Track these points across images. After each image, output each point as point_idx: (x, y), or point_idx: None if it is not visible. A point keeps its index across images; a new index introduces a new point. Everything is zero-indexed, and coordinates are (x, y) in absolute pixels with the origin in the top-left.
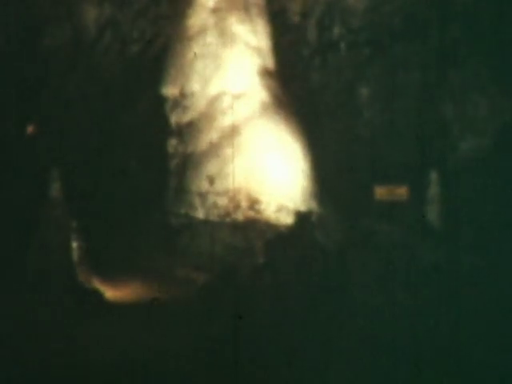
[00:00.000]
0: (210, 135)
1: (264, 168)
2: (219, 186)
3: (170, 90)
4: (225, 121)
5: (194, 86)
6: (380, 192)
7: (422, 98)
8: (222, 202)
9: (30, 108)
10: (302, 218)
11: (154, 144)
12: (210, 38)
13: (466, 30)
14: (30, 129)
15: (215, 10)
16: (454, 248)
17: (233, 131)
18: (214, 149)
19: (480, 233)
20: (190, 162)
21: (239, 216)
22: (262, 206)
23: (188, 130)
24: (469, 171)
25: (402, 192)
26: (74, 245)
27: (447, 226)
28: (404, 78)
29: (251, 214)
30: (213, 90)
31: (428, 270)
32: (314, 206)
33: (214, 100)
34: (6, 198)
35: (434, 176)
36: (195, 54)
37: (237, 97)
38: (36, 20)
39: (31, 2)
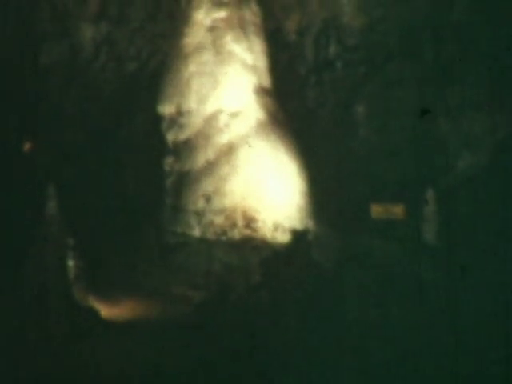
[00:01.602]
0: (207, 153)
1: (260, 186)
2: (216, 204)
3: (166, 108)
4: (221, 139)
5: (191, 104)
6: (376, 210)
7: (418, 116)
8: (219, 220)
9: (27, 125)
10: (298, 236)
11: (150, 162)
12: (207, 57)
13: (462, 47)
14: (26, 146)
15: (212, 29)
16: (450, 266)
17: (229, 149)
18: (211, 167)
19: (477, 250)
20: (186, 180)
21: (235, 234)
22: (259, 225)
23: (184, 148)
24: (466, 189)
25: (398, 210)
26: (71, 263)
27: (444, 243)
28: (400, 96)
29: (247, 232)
30: (209, 108)
31: (425, 288)
32: (310, 224)
33: (211, 118)
34: (2, 214)
35: (430, 194)
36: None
37: (233, 115)
38: (33, 37)
39: (29, 19)
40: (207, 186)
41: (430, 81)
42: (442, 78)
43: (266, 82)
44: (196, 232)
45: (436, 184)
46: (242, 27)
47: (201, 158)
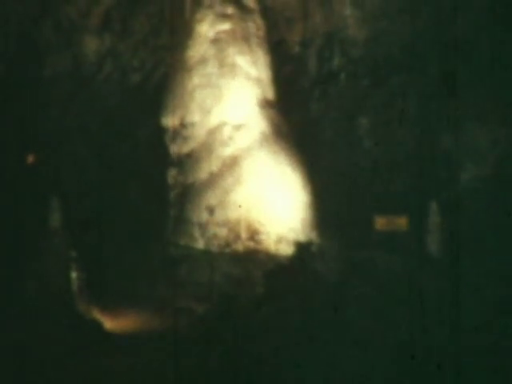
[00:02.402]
0: (210, 166)
1: (264, 198)
2: (219, 216)
3: (170, 121)
4: (225, 151)
5: (195, 116)
6: (380, 222)
7: (421, 128)
8: (222, 232)
9: (30, 137)
10: (301, 248)
11: (153, 174)
12: (211, 69)
13: (466, 60)
14: (29, 158)
15: (215, 41)
16: (454, 277)
17: (233, 162)
18: (214, 179)
19: (481, 263)
20: (189, 193)
21: (239, 247)
22: (262, 237)
23: (188, 161)
24: (469, 201)
25: (402, 222)
26: (74, 275)
27: (448, 255)
28: (404, 108)
29: (251, 244)
30: (213, 120)
31: (428, 300)
32: (313, 236)
33: (214, 130)
34: (5, 227)
35: (434, 206)
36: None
37: (237, 127)
38: (37, 50)
39: (32, 31)
40: (211, 198)
41: (434, 93)
42: (446, 90)
43: (270, 94)
44: (199, 244)
45: (439, 196)
46: (245, 40)
47: (204, 171)
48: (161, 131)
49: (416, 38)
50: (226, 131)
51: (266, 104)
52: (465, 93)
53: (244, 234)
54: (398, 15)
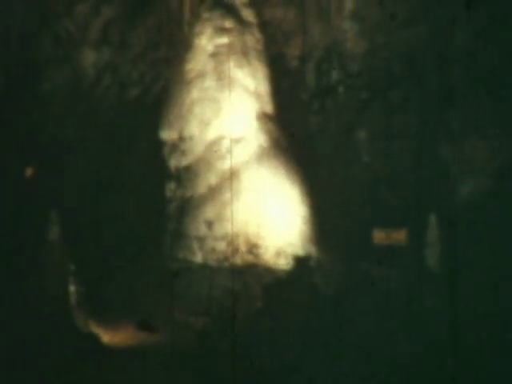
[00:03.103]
0: (209, 179)
1: (263, 212)
2: (218, 230)
3: (168, 134)
4: (223, 165)
5: (193, 129)
6: (379, 236)
7: (420, 141)
8: (221, 246)
9: (29, 151)
10: (300, 262)
11: (152, 188)
12: (209, 82)
13: (464, 72)
14: (28, 172)
15: (214, 55)
16: (453, 291)
17: (231, 175)
18: (213, 193)
19: (479, 277)
20: (188, 206)
21: (238, 260)
22: (261, 251)
23: (186, 174)
24: (468, 214)
25: (400, 235)
26: (72, 288)
27: (446, 269)
28: (402, 121)
29: (250, 258)
30: (211, 134)
31: (426, 314)
32: (312, 250)
33: (213, 144)
34: (4, 240)
35: (432, 219)
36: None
37: (235, 141)
38: (36, 63)
39: (31, 45)
40: (209, 212)
41: (433, 106)
42: (445, 103)
43: (268, 107)
44: (198, 258)
45: (438, 209)
46: (244, 53)
47: (203, 184)
48: (159, 145)
49: (414, 52)
50: (225, 145)
51: (264, 117)
52: (463, 106)
53: (243, 248)
54: (397, 29)
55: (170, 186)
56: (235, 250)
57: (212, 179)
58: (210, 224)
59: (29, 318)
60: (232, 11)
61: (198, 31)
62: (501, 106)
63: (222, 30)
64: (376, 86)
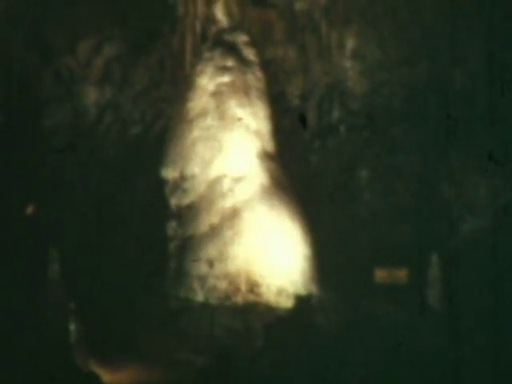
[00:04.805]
0: (210, 218)
1: (264, 251)
2: (219, 269)
3: (169, 172)
4: (225, 203)
5: (194, 168)
6: (380, 274)
7: (421, 179)
8: (222, 285)
9: (29, 188)
10: (301, 301)
11: (153, 226)
12: (211, 121)
13: (466, 111)
14: (28, 209)
15: (215, 94)
16: (454, 331)
17: (233, 214)
18: (214, 231)
19: (481, 315)
20: (189, 245)
21: (239, 299)
22: (262, 290)
23: (188, 213)
24: (469, 253)
25: (402, 274)
26: (72, 327)
27: (447, 308)
28: (403, 160)
29: (251, 297)
30: (213, 172)
31: (428, 353)
32: (314, 289)
33: (214, 183)
34: (3, 278)
35: (434, 258)
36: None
37: (237, 180)
38: (36, 101)
39: (32, 83)
40: (210, 250)
41: (434, 145)
42: (446, 142)
43: (270, 146)
44: (199, 297)
45: (439, 248)
46: (245, 92)
47: (204, 223)
48: (161, 183)
49: (415, 90)
50: (226, 183)
51: (265, 156)
52: (464, 144)
53: (244, 287)
54: (398, 67)
55: (171, 225)
56: (236, 289)
57: (213, 218)
58: (211, 263)
59: (28, 357)
60: (233, 50)
61: (199, 70)
62: (501, 144)
63: (223, 69)
64: (377, 124)
